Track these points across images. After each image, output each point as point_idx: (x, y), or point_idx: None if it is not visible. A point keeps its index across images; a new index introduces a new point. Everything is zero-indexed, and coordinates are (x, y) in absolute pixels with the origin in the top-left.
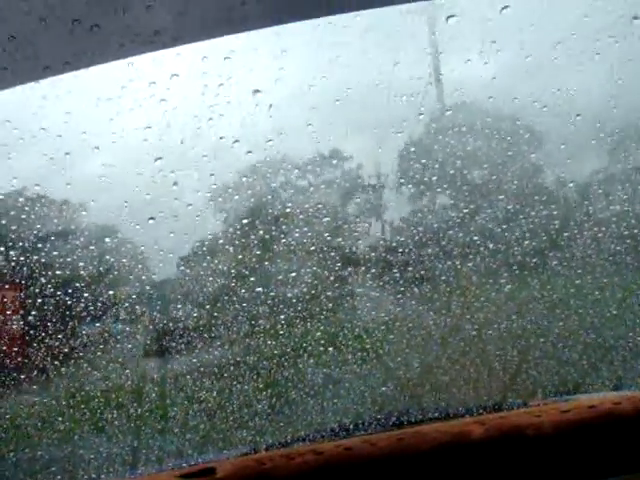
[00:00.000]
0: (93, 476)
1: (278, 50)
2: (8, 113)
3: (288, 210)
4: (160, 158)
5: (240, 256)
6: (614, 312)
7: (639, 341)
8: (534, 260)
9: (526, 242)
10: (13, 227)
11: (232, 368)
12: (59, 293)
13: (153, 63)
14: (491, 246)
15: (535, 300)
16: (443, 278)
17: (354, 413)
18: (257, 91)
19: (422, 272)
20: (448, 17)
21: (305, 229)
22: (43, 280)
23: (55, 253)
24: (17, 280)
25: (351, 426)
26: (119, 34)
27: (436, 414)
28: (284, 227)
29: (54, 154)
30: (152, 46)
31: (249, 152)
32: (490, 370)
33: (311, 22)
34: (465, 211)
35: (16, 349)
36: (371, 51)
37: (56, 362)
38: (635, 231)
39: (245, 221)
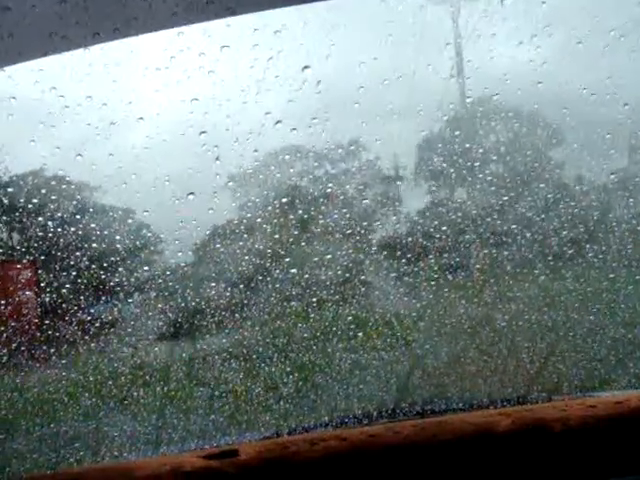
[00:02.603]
0: (115, 454)
1: (329, 25)
2: (54, 80)
3: (328, 190)
4: (205, 132)
5: (277, 235)
6: None
7: None
8: (570, 251)
9: (564, 232)
10: (53, 197)
11: (261, 349)
12: (94, 266)
13: (203, 34)
14: (528, 235)
15: (568, 292)
16: (477, 267)
17: (379, 400)
18: (306, 67)
19: (457, 260)
20: None
21: (344, 210)
22: (78, 253)
23: (93, 225)
24: (52, 253)
25: (375, 413)
26: (172, 2)
27: (460, 405)
28: (323, 208)
29: (98, 123)
30: (203, 16)
31: (294, 129)
32: (517, 362)
33: None
34: (504, 198)
35: (46, 324)
36: (424, 31)
37: (85, 338)
38: None
39: (284, 200)
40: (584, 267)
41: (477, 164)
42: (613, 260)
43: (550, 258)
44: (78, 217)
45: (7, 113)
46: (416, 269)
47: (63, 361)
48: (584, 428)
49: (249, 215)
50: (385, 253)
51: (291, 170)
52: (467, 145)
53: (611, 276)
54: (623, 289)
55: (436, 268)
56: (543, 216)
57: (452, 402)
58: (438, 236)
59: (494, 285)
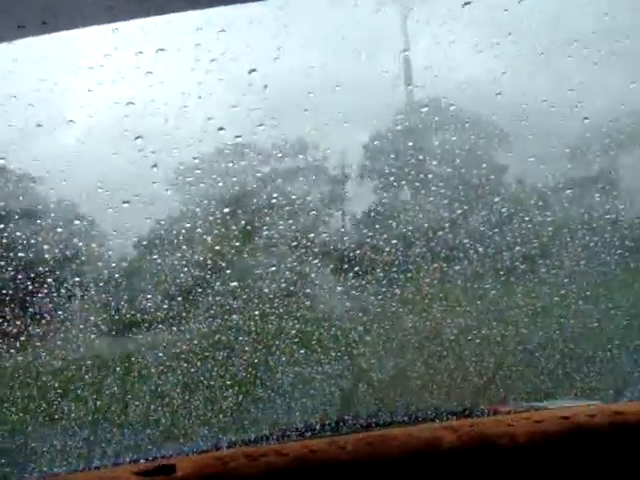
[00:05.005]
0: (45, 469)
1: (280, 26)
2: None
3: (273, 201)
4: (141, 137)
5: (218, 247)
6: (595, 324)
7: (616, 354)
8: (522, 267)
9: (517, 248)
10: None
11: (199, 363)
12: (20, 277)
13: (141, 31)
14: (480, 250)
15: (518, 307)
16: (427, 280)
17: (322, 413)
18: (253, 70)
19: (406, 273)
20: (464, 4)
21: (290, 221)
22: (1, 262)
23: (18, 234)
24: None
25: (317, 426)
26: None
27: (405, 418)
28: (267, 218)
29: (23, 125)
30: (142, 12)
31: (238, 136)
32: (464, 375)
33: None
34: (457, 212)
35: None
36: (381, 35)
37: (11, 349)
38: (628, 242)
39: (226, 210)
40: (535, 282)
41: (430, 176)
42: (565, 276)
43: (502, 273)
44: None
45: None
46: (364, 282)
47: None
48: (531, 444)
49: (188, 225)
50: (332, 266)
51: (234, 179)
52: (420, 157)
53: (562, 292)
54: (573, 304)
55: (384, 282)
56: (496, 230)
57: (397, 415)
58: (388, 249)
59: (443, 299)
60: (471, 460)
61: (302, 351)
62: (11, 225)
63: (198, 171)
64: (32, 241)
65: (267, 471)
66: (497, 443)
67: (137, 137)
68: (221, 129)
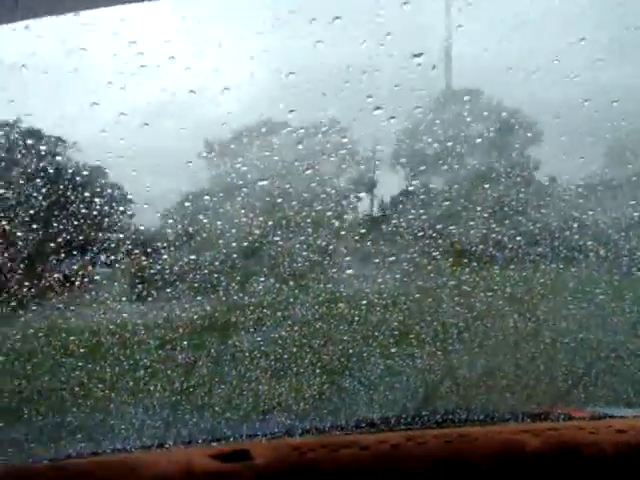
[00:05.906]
0: (118, 447)
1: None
2: (136, 33)
3: (410, 188)
4: (294, 110)
5: (343, 232)
6: None
7: None
8: (638, 273)
9: (638, 253)
10: (106, 170)
11: (294, 349)
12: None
13: None
14: (601, 252)
15: (623, 313)
16: (535, 282)
17: (401, 407)
18: (419, 54)
19: (522, 272)
20: None
21: (421, 211)
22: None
23: (148, 209)
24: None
25: (393, 420)
26: None
27: (481, 416)
28: (399, 206)
29: (175, 90)
30: None
31: (392, 118)
32: (550, 378)
33: None
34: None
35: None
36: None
37: (110, 327)
38: None
39: (360, 194)
40: None
41: None
42: None
43: (617, 277)
44: (130, 197)
45: (73, 67)
46: (477, 279)
47: (81, 350)
48: (616, 454)
49: (319, 208)
50: (450, 260)
51: (377, 162)
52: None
53: None
54: None
55: (498, 279)
56: (622, 234)
57: (473, 413)
58: (511, 246)
59: (551, 301)
60: (556, 467)
61: (398, 345)
62: (140, 200)
63: (343, 151)
64: (164, 219)
65: (348, 465)
66: (581, 451)
67: (291, 111)
68: (378, 109)
